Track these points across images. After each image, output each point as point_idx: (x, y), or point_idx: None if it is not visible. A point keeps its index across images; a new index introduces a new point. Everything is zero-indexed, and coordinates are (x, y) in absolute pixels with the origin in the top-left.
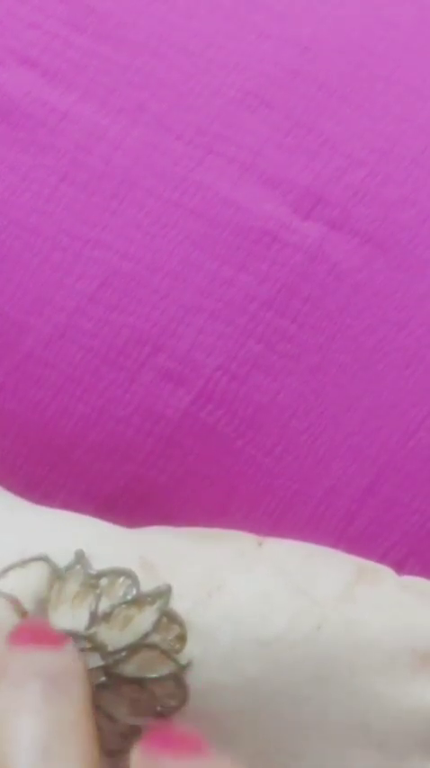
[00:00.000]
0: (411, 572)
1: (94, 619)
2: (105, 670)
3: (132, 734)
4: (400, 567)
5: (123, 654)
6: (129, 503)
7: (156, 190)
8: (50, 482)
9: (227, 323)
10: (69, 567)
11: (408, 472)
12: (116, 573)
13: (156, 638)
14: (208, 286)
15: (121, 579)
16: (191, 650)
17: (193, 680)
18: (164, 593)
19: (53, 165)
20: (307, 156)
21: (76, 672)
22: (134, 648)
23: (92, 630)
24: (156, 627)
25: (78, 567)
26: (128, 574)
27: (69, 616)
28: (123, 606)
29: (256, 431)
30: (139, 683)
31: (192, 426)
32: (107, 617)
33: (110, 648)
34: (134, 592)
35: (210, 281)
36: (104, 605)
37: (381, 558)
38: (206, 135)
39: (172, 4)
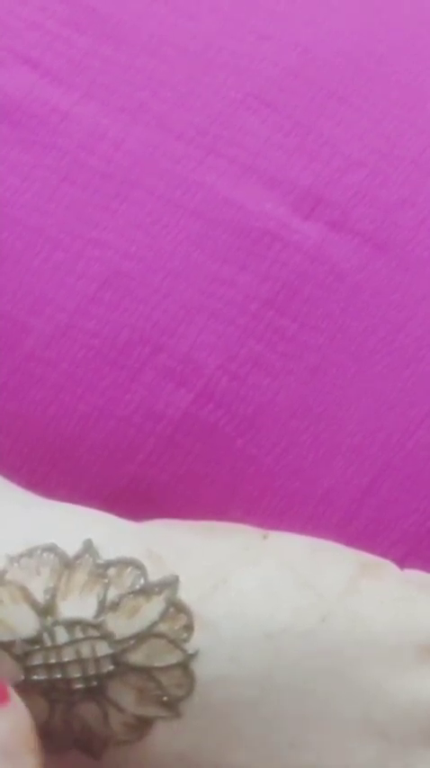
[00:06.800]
0: None
1: (103, 608)
2: (113, 659)
3: (139, 724)
4: (400, 565)
5: (131, 642)
6: (130, 502)
7: (156, 190)
8: (51, 481)
9: (227, 323)
10: (78, 557)
11: (408, 472)
12: (124, 563)
13: (163, 628)
14: (208, 286)
15: (129, 569)
16: (197, 640)
17: (200, 670)
18: (171, 583)
19: (54, 165)
20: (307, 156)
21: (26, 739)
22: (142, 637)
23: (100, 619)
24: (164, 616)
25: (87, 556)
26: (136, 564)
27: (78, 605)
28: (131, 595)
29: (257, 430)
30: (147, 672)
31: (192, 426)
32: (115, 606)
33: (118, 637)
34: (142, 581)
35: (210, 280)
36: (112, 594)
37: (381, 557)
38: (206, 135)
39: (172, 6)
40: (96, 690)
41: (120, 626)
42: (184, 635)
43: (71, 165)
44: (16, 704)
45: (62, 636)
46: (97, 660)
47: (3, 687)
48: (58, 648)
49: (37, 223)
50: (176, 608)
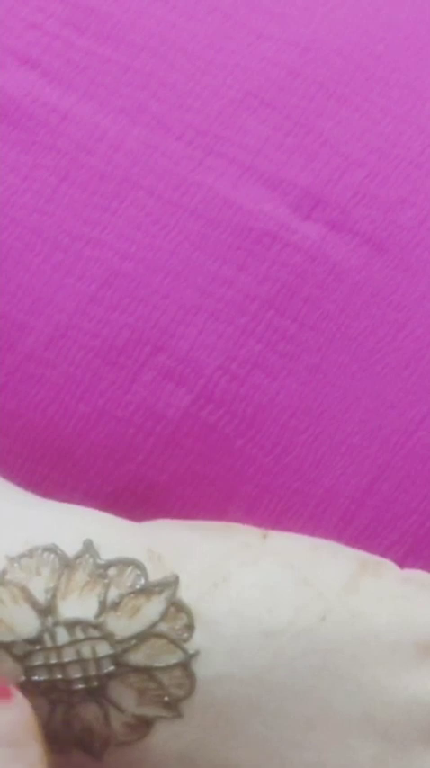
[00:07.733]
0: None
1: (103, 608)
2: (114, 659)
3: (140, 725)
4: (400, 565)
5: (132, 642)
6: (130, 502)
7: (156, 190)
8: (51, 482)
9: (227, 323)
10: (78, 557)
11: (408, 472)
12: (124, 563)
13: (163, 627)
14: (208, 286)
15: (130, 569)
16: (198, 640)
17: (200, 669)
18: (171, 583)
19: (54, 166)
20: (306, 156)
21: (30, 729)
22: (142, 637)
23: (101, 619)
24: (164, 616)
25: (87, 556)
26: (136, 564)
27: (78, 605)
28: (132, 595)
29: (256, 430)
30: (147, 672)
31: (192, 426)
32: (116, 606)
33: (118, 637)
34: (142, 581)
35: (210, 281)
36: (113, 594)
37: (381, 557)
38: (206, 135)
39: (172, 5)
40: (97, 690)
41: (121, 626)
42: (185, 635)
43: (70, 166)
44: (19, 698)
45: (63, 636)
46: (98, 660)
47: (5, 684)
48: (58, 649)
49: (36, 223)
50: (177, 608)
